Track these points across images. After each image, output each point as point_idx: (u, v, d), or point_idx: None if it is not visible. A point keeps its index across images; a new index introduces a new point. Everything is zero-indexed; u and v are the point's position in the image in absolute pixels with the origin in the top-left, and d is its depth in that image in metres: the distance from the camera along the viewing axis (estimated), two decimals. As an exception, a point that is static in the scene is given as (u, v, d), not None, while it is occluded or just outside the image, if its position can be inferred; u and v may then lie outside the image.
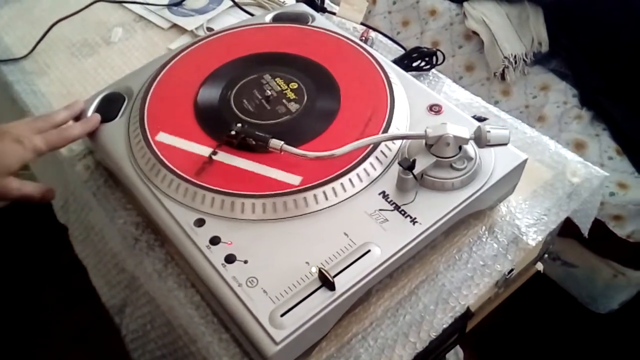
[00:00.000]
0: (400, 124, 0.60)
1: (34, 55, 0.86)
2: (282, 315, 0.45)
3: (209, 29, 0.89)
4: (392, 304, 0.55)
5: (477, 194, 0.54)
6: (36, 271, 1.53)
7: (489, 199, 0.57)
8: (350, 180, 0.54)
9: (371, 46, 0.82)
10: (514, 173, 0.57)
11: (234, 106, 0.62)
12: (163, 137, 0.59)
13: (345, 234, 0.51)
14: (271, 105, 0.62)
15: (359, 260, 0.49)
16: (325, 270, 0.46)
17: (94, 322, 1.35)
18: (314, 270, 0.48)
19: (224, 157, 0.57)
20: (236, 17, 0.91)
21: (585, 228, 0.72)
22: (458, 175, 0.53)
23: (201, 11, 0.92)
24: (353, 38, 0.71)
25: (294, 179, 0.54)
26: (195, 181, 0.54)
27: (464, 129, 0.53)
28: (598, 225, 1.07)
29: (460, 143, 0.54)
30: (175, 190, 0.55)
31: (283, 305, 0.46)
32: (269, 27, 0.75)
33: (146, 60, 0.73)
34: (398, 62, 0.77)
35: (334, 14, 0.87)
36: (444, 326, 0.54)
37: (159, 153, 0.57)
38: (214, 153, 0.57)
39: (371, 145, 0.56)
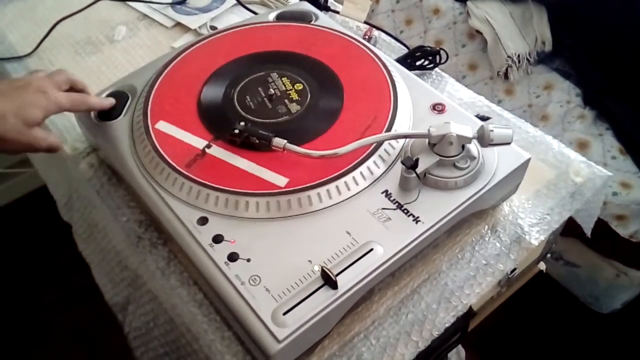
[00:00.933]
0: (403, 123, 0.60)
1: (38, 53, 0.86)
2: (284, 314, 0.46)
3: (213, 28, 0.89)
4: (395, 303, 0.55)
5: (480, 193, 0.54)
6: (36, 270, 1.54)
7: (491, 198, 0.57)
8: (353, 179, 0.54)
9: (374, 45, 0.82)
10: (517, 172, 0.57)
11: (237, 104, 0.62)
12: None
13: (348, 233, 0.51)
14: (274, 104, 0.62)
15: (362, 259, 0.49)
16: (328, 269, 0.47)
17: (94, 321, 1.36)
18: (317, 268, 0.48)
19: (227, 155, 0.57)
20: (240, 16, 0.91)
21: (588, 228, 0.72)
22: (461, 175, 0.53)
23: (205, 10, 0.92)
24: (356, 37, 0.71)
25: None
26: (199, 179, 0.54)
27: (467, 128, 0.53)
28: (601, 224, 1.07)
29: (463, 142, 0.54)
30: (179, 188, 0.55)
31: (286, 304, 0.46)
32: (273, 26, 0.75)
33: (150, 58, 0.73)
34: (401, 61, 0.77)
35: (337, 12, 0.87)
36: (446, 325, 0.54)
37: (162, 151, 0.57)
38: (208, 146, 0.57)
39: (374, 144, 0.56)
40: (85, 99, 0.61)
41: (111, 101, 0.64)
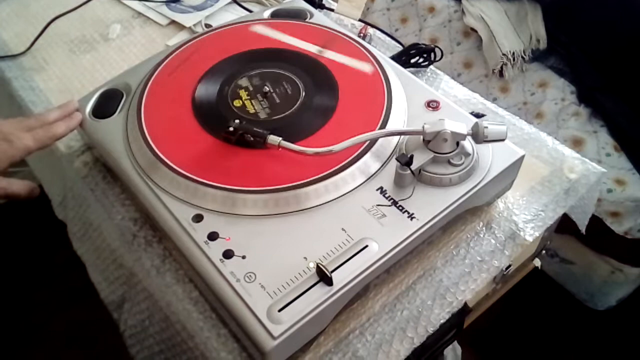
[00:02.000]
0: (398, 120, 0.60)
1: (32, 52, 0.86)
2: (279, 310, 0.46)
3: (207, 26, 0.89)
4: (390, 299, 0.55)
5: (474, 189, 0.54)
6: (32, 270, 1.53)
7: (486, 194, 0.58)
8: (348, 176, 0.54)
9: (369, 43, 0.82)
10: (512, 169, 0.58)
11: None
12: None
13: (343, 230, 0.51)
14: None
15: (357, 256, 0.49)
16: (323, 266, 0.47)
17: (90, 321, 1.35)
18: (312, 265, 0.48)
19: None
20: (234, 14, 0.91)
21: (582, 224, 0.72)
22: (456, 171, 0.54)
23: (199, 8, 0.92)
24: (351, 35, 0.71)
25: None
26: (193, 177, 0.54)
27: (462, 125, 0.53)
28: (595, 221, 1.07)
29: (457, 139, 0.54)
30: (173, 186, 0.55)
31: (281, 300, 0.46)
32: (267, 24, 0.75)
33: (144, 56, 0.73)
34: (396, 58, 0.77)
35: (332, 10, 0.87)
36: (442, 321, 0.54)
37: (156, 149, 0.57)
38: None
39: (369, 141, 0.56)
40: (50, 133, 0.60)
41: (78, 118, 0.63)
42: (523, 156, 0.58)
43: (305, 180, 0.53)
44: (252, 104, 0.62)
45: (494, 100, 1.32)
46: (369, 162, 0.55)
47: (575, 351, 1.33)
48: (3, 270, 1.51)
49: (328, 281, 0.47)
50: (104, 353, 1.33)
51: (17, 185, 0.57)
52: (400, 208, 0.52)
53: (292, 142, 0.55)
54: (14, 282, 1.51)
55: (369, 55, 0.67)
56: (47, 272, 1.52)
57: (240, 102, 0.62)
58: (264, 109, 0.61)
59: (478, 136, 0.53)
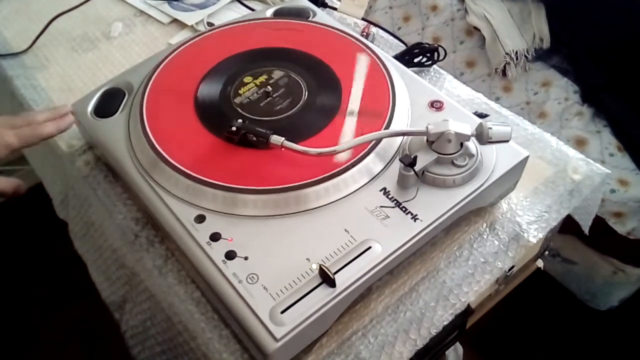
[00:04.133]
0: (401, 120, 0.59)
1: (33, 50, 0.86)
2: (282, 312, 0.45)
3: (210, 24, 0.88)
4: (393, 301, 0.55)
5: (478, 191, 0.54)
6: (32, 268, 1.53)
7: (490, 196, 0.57)
8: (351, 176, 0.54)
9: (372, 42, 0.81)
10: (516, 170, 0.57)
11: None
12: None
13: (346, 231, 0.50)
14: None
15: (360, 257, 0.49)
16: (326, 267, 0.46)
17: (90, 319, 1.35)
18: (315, 267, 0.48)
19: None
20: (237, 12, 0.90)
21: (586, 225, 0.72)
22: (459, 172, 0.53)
23: (202, 6, 0.91)
24: (354, 33, 0.71)
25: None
26: (196, 176, 0.54)
27: (466, 126, 0.53)
28: (598, 222, 1.06)
29: (461, 140, 0.54)
30: (175, 186, 0.54)
31: (283, 302, 0.46)
32: (270, 22, 0.74)
33: (146, 55, 0.73)
34: (399, 57, 0.76)
35: (335, 9, 0.87)
36: (445, 323, 0.54)
37: (159, 148, 0.57)
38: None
39: (372, 142, 0.56)
40: (36, 132, 0.59)
41: (70, 120, 0.63)
42: (527, 157, 0.57)
43: (308, 181, 0.53)
44: (254, 103, 0.61)
45: (497, 99, 1.31)
46: (372, 163, 0.55)
47: (577, 351, 1.33)
48: (4, 268, 1.51)
49: (331, 283, 0.46)
50: (104, 352, 1.33)
51: (2, 183, 0.56)
52: (404, 209, 0.52)
53: (295, 142, 0.54)
54: (15, 280, 1.51)
55: (372, 55, 0.67)
56: (47, 270, 1.52)
57: (243, 101, 0.61)
58: (267, 109, 0.60)
59: (482, 137, 0.53)
